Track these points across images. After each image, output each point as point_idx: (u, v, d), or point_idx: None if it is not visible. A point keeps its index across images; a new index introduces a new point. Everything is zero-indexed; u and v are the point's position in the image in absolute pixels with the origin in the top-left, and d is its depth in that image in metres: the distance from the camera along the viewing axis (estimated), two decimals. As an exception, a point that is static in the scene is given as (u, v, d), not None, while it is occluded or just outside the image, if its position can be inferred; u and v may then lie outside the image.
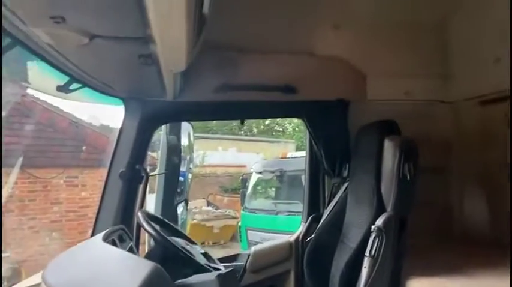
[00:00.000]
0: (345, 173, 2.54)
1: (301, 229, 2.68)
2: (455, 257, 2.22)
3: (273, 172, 9.34)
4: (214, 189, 15.63)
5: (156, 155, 3.48)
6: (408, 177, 1.97)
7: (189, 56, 1.54)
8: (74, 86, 2.03)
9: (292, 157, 9.54)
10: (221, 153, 17.62)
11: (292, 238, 2.67)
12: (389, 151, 2.05)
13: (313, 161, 2.76)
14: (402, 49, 2.75)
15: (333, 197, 2.57)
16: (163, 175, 3.26)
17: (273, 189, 10.05)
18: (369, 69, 2.75)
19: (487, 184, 2.64)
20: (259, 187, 10.07)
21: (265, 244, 2.77)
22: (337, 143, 2.61)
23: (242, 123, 2.81)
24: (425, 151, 2.64)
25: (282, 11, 2.51)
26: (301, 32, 2.63)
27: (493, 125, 2.52)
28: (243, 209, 9.58)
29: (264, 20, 2.55)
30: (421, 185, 2.53)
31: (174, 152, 3.37)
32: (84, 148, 8.08)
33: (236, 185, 14.79)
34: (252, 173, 10.09)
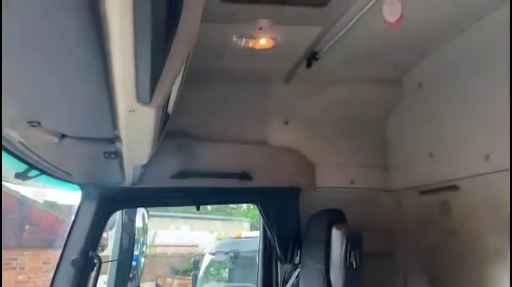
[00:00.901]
0: (297, 260, 2.64)
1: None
2: None
3: (226, 253, 9.17)
4: (164, 271, 14.92)
5: (106, 235, 3.41)
6: (354, 265, 2.10)
7: (152, 151, 1.66)
8: (32, 173, 2.07)
9: (246, 237, 9.46)
10: (173, 232, 17.10)
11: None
12: (337, 240, 2.19)
13: (267, 247, 2.85)
14: (347, 142, 3.03)
15: (286, 284, 2.63)
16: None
17: (227, 271, 9.78)
18: (317, 159, 2.98)
19: (428, 268, 2.80)
20: (211, 269, 9.76)
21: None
22: (289, 229, 2.73)
23: (198, 208, 2.90)
24: (371, 237, 2.82)
25: (238, 108, 2.77)
26: (255, 125, 2.88)
27: (430, 213, 2.75)
28: (194, 294, 9.18)
29: (223, 114, 2.78)
30: (368, 270, 2.66)
31: (128, 235, 3.34)
32: (27, 227, 7.66)
33: (187, 267, 14.22)
34: (204, 254, 9.84)
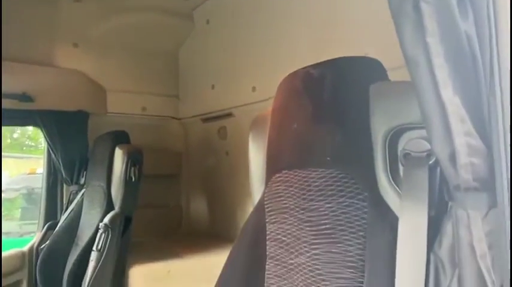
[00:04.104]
0: (82, 181, 2.69)
1: (36, 237, 2.67)
2: (176, 247, 2.65)
3: (18, 190, 8.41)
4: None
5: None
6: (133, 179, 2.29)
7: None
8: None
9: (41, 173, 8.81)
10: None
11: (26, 247, 2.63)
12: (119, 157, 2.33)
13: (51, 170, 2.81)
14: (140, 70, 3.12)
15: (70, 204, 2.68)
16: None
17: (19, 209, 9.01)
18: (108, 84, 3.00)
19: (208, 187, 3.22)
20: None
21: (-8, 257, 2.62)
22: (76, 152, 2.73)
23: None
24: (161, 160, 3.08)
25: (22, 24, 2.54)
26: (41, 45, 2.71)
27: (210, 138, 3.12)
28: (-23, 235, 8.25)
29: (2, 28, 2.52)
30: (155, 190, 2.93)
31: None
32: None
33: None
34: (-10, 192, 8.83)
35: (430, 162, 0.87)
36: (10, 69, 2.61)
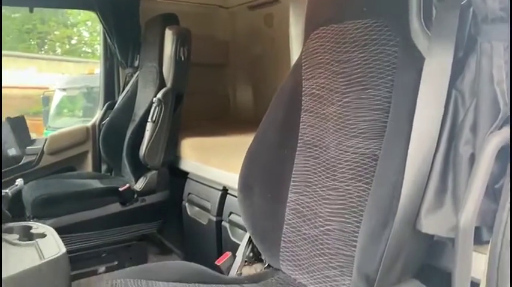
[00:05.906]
0: (136, 63, 2.85)
1: (97, 115, 2.94)
2: (224, 129, 2.82)
3: (79, 88, 8.93)
4: (9, 114, 13.93)
5: None
6: (183, 58, 2.40)
7: None
8: None
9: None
10: (16, 72, 15.55)
11: (89, 123, 2.92)
12: (169, 38, 2.43)
13: (107, 54, 2.98)
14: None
15: (126, 86, 2.88)
16: None
17: (80, 108, 9.64)
18: (157, -31, 3.02)
19: (253, 75, 3.31)
20: (64, 106, 9.52)
21: (62, 130, 2.94)
22: (130, 36, 2.85)
23: (31, 11, 2.77)
24: (208, 49, 3.16)
25: None
26: None
27: (256, 26, 3.13)
28: (46, 129, 9.02)
29: None
30: (203, 78, 3.05)
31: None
32: None
33: (38, 109, 13.49)
34: (54, 90, 9.43)
35: (463, 2, 0.88)
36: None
